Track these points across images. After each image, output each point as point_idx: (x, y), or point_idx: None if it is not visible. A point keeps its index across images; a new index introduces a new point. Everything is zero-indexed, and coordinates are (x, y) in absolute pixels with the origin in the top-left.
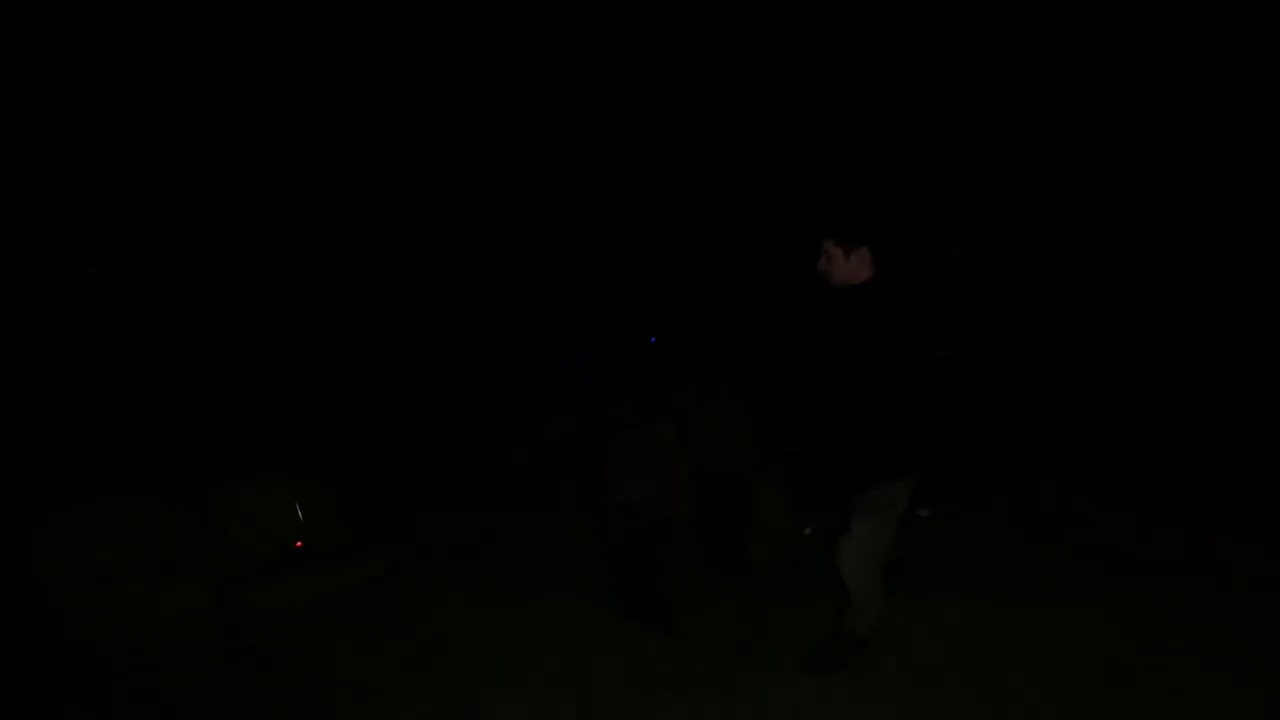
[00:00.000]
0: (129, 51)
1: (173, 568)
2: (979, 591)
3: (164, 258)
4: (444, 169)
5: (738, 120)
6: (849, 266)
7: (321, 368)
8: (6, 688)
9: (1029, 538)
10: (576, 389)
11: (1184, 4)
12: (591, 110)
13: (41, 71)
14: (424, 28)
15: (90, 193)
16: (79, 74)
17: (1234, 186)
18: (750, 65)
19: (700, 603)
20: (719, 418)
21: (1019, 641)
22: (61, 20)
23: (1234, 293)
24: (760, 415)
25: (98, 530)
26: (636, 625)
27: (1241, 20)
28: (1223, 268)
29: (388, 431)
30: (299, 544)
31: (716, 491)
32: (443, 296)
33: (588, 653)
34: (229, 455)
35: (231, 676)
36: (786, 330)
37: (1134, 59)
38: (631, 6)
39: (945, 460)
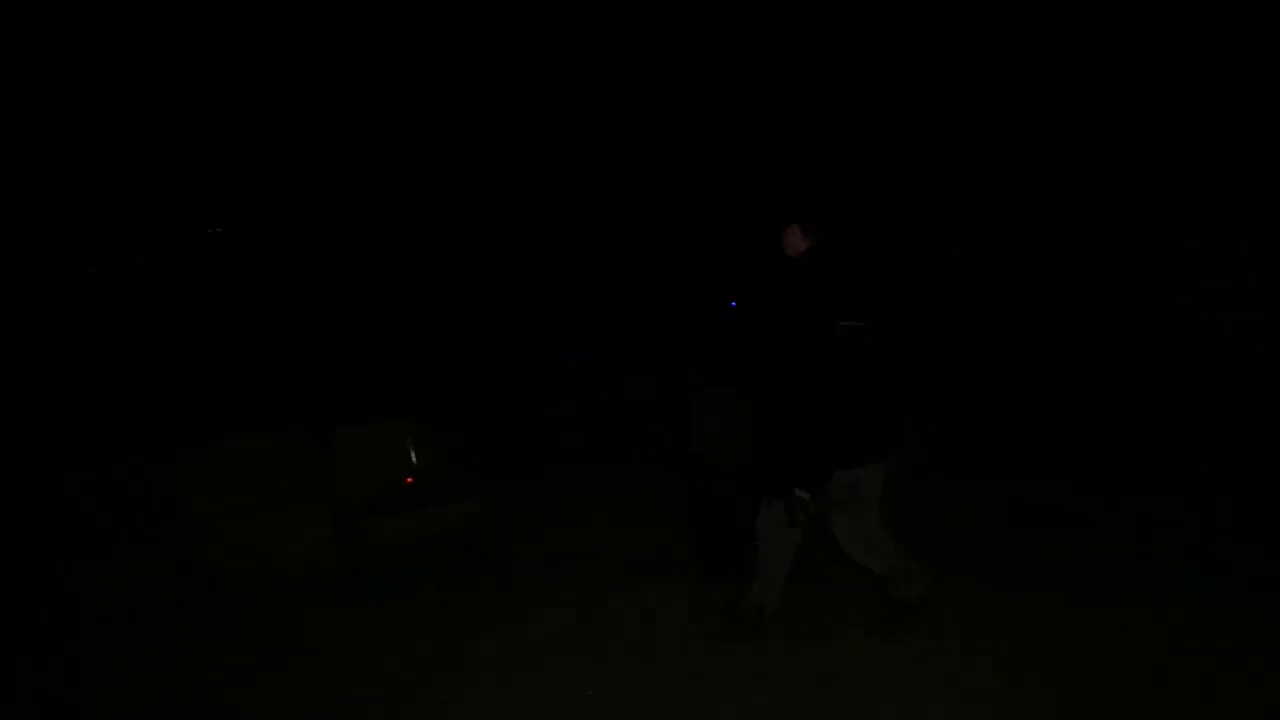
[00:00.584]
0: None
1: (300, 502)
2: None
3: (313, 232)
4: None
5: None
6: (794, 246)
7: (435, 332)
8: (154, 609)
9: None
10: (658, 358)
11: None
12: (621, 106)
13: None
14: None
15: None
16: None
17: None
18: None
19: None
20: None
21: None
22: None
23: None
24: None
25: (238, 467)
26: (711, 576)
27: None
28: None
29: (489, 390)
30: (409, 480)
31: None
32: (542, 278)
33: (658, 601)
34: (354, 402)
35: (348, 603)
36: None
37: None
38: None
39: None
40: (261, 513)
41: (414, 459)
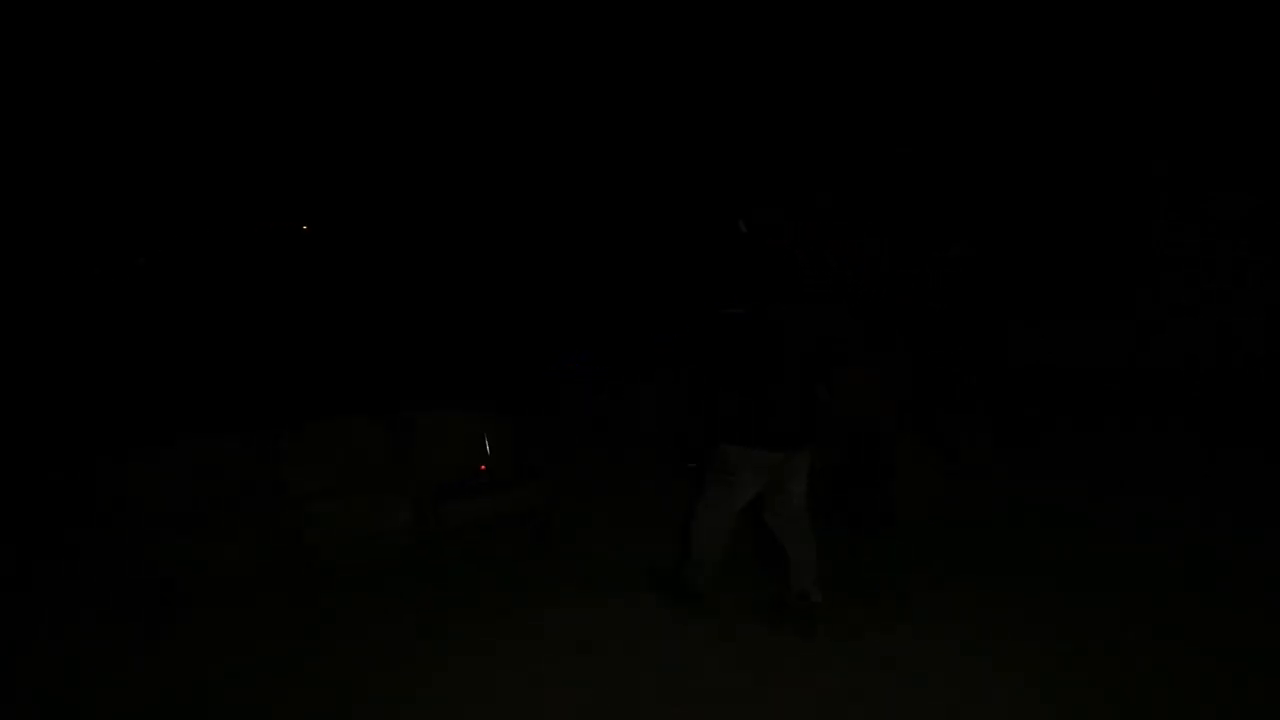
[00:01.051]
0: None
1: (383, 484)
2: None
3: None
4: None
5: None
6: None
7: (504, 329)
8: (247, 586)
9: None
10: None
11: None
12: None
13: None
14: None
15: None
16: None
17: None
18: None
19: (836, 554)
20: (854, 377)
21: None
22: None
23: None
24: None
25: (329, 448)
26: (770, 573)
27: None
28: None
29: (554, 382)
30: (482, 467)
31: (859, 442)
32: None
33: (717, 592)
34: (433, 390)
35: (425, 583)
36: None
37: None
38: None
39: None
40: (349, 494)
41: (488, 448)
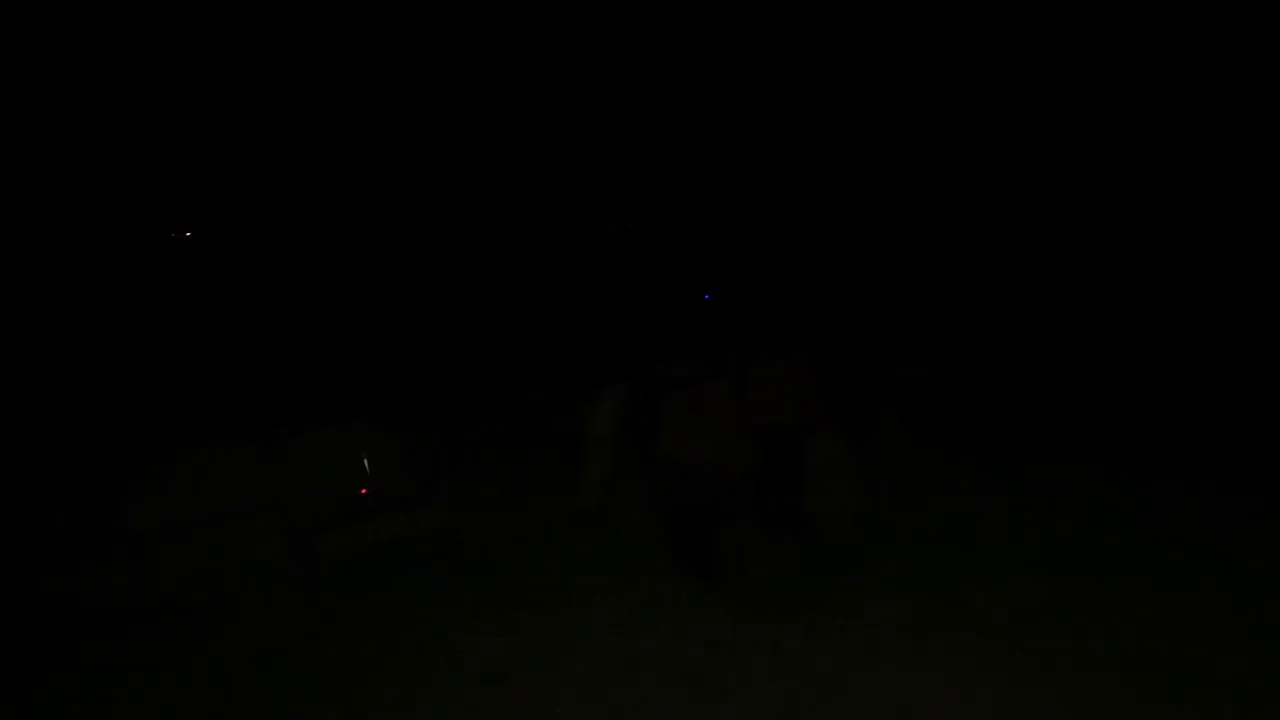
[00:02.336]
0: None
1: (251, 513)
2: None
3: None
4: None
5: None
6: None
7: (392, 326)
8: (97, 627)
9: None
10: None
11: None
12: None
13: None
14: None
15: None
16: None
17: None
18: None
19: (754, 558)
20: (775, 373)
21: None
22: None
23: None
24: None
25: (183, 478)
26: (691, 580)
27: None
28: None
29: (454, 389)
30: (364, 491)
31: (774, 447)
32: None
33: (640, 607)
34: (306, 406)
35: (300, 620)
36: None
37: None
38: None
39: None
40: (209, 526)
41: (370, 466)
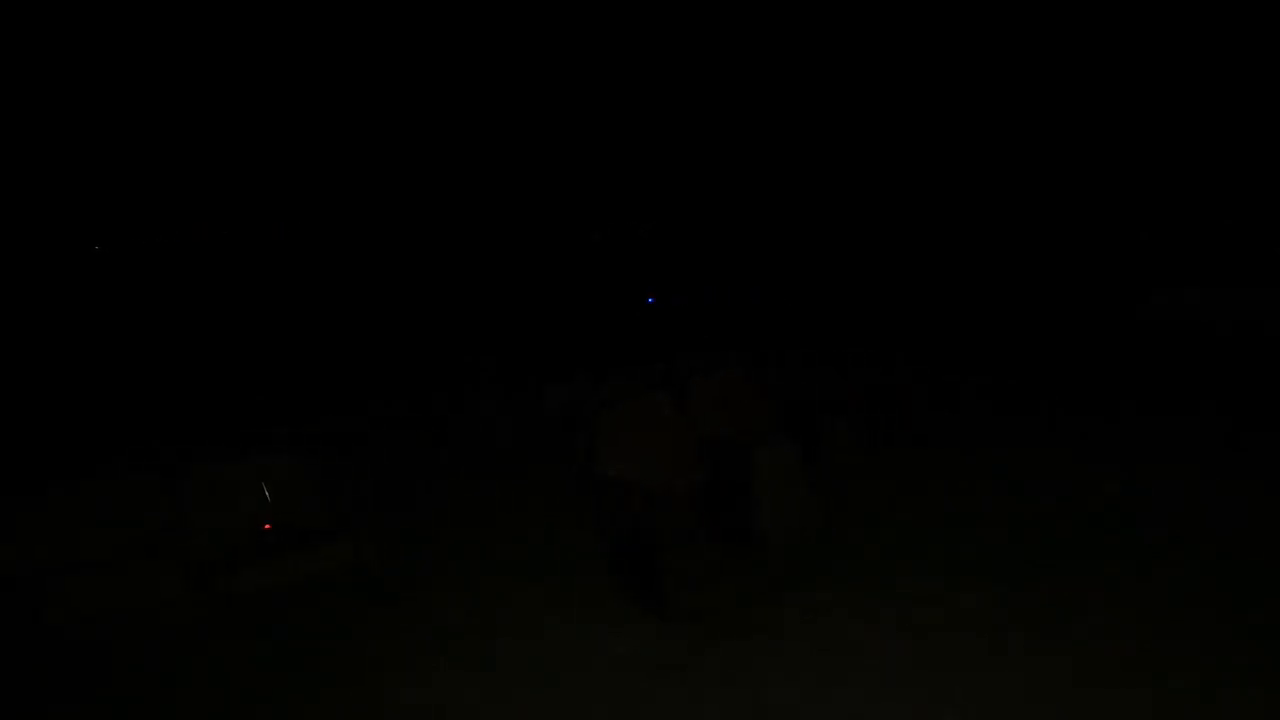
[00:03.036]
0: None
1: (150, 552)
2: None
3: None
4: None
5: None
6: None
7: (298, 338)
8: None
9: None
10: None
11: None
12: None
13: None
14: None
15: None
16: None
17: None
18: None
19: (702, 580)
20: (720, 383)
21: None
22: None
23: None
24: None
25: (75, 515)
26: (635, 606)
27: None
28: None
29: (374, 402)
30: (267, 526)
31: (719, 460)
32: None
33: (584, 636)
34: (207, 432)
35: (205, 666)
36: None
37: None
38: None
39: None
40: (108, 565)
41: (275, 497)
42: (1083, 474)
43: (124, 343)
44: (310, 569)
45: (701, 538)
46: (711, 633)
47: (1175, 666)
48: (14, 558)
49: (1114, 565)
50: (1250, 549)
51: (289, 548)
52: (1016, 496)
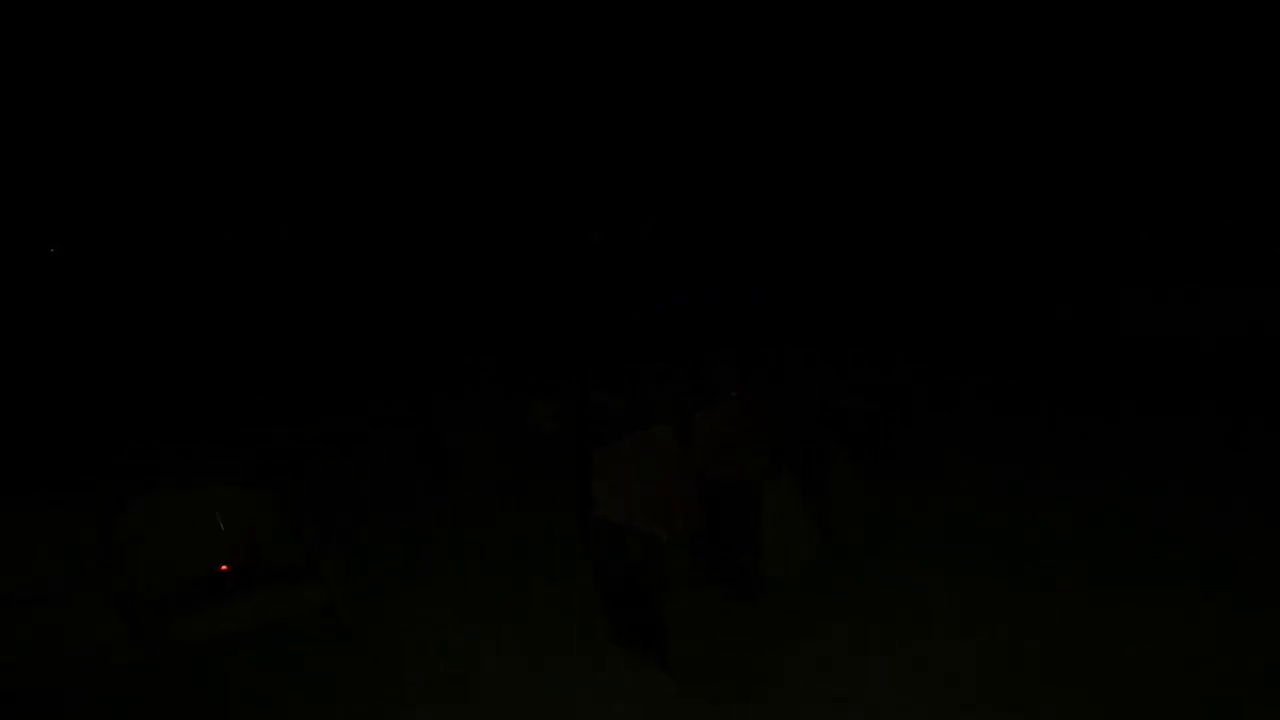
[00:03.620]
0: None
1: (87, 591)
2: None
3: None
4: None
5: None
6: None
7: (256, 350)
8: None
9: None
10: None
11: None
12: None
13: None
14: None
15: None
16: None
17: None
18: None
19: (701, 627)
20: (723, 415)
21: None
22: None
23: None
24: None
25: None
26: (633, 653)
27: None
28: None
29: (346, 421)
30: (224, 568)
31: (720, 500)
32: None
33: (574, 688)
34: (154, 458)
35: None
36: None
37: None
38: None
39: None
40: (40, 605)
41: (232, 532)
42: (1099, 496)
43: (74, 347)
44: (271, 614)
45: (702, 580)
46: (709, 681)
47: None
48: None
49: (1139, 606)
50: None
51: (247, 589)
52: (1031, 524)
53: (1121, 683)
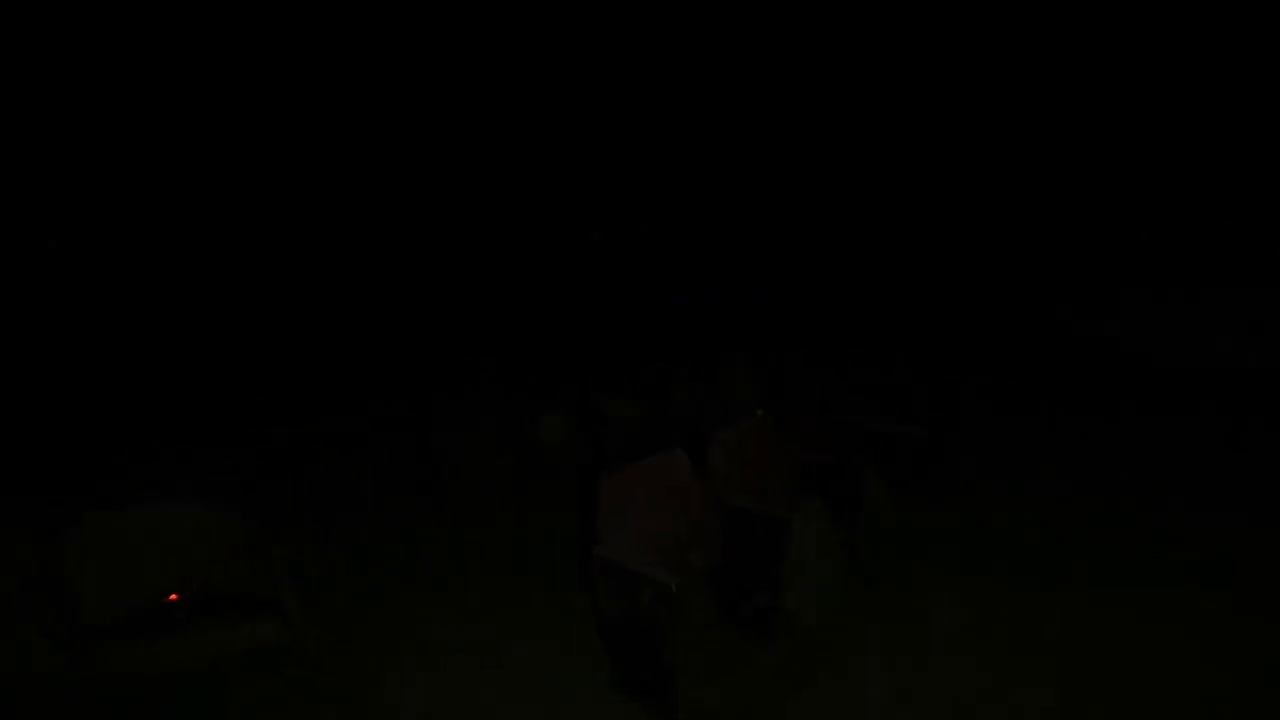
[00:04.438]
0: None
1: (20, 615)
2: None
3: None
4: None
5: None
6: None
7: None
8: None
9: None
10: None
11: None
12: None
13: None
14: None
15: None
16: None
17: None
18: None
19: (715, 674)
20: (745, 438)
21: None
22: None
23: None
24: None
25: None
26: (638, 704)
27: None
28: None
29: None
30: (173, 597)
31: (740, 531)
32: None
33: None
34: (100, 469)
35: None
36: None
37: None
38: None
39: None
40: None
41: (186, 556)
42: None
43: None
44: (227, 649)
45: (716, 621)
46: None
47: None
48: None
49: (1182, 643)
50: None
51: (200, 621)
52: (1061, 545)
53: (1127, 687)
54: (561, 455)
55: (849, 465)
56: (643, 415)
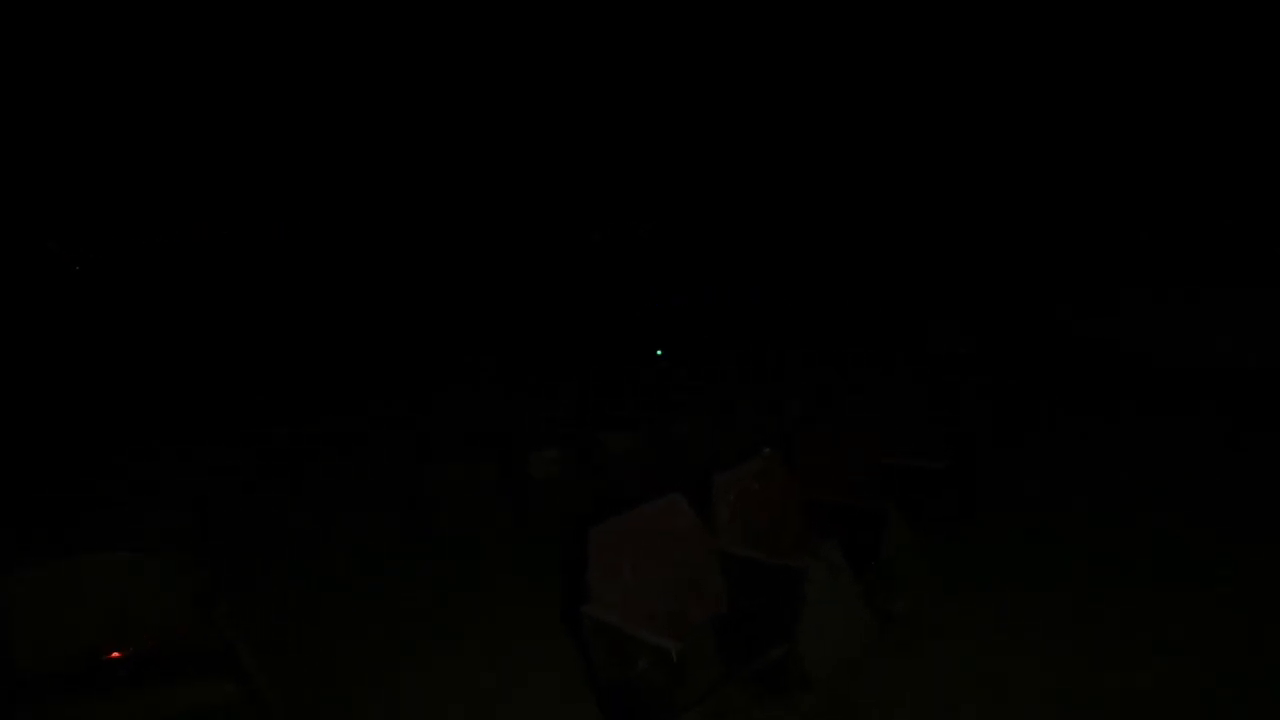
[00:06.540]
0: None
1: None
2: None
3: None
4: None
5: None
6: None
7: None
8: None
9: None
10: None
11: None
12: None
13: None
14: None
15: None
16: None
17: None
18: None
19: None
20: (751, 479)
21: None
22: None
23: None
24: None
25: None
26: None
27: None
28: None
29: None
30: (116, 654)
31: (749, 583)
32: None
33: None
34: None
35: None
36: None
37: None
38: None
39: None
40: None
41: (127, 613)
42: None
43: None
44: (173, 709)
45: (721, 677)
46: None
47: None
48: None
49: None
50: None
51: (147, 677)
52: (1113, 585)
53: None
54: (555, 491)
55: (869, 506)
56: (642, 448)
